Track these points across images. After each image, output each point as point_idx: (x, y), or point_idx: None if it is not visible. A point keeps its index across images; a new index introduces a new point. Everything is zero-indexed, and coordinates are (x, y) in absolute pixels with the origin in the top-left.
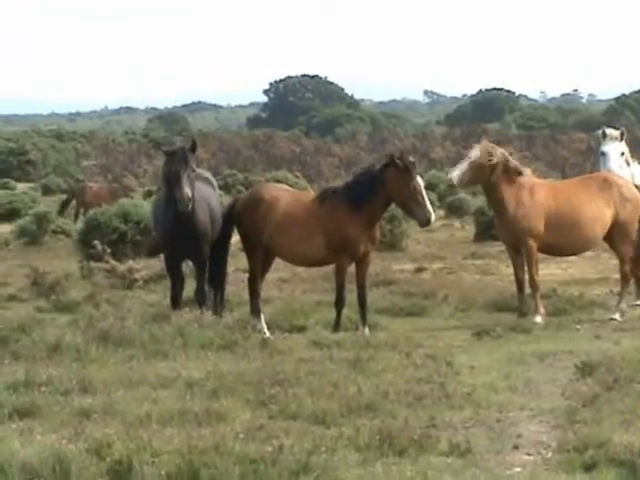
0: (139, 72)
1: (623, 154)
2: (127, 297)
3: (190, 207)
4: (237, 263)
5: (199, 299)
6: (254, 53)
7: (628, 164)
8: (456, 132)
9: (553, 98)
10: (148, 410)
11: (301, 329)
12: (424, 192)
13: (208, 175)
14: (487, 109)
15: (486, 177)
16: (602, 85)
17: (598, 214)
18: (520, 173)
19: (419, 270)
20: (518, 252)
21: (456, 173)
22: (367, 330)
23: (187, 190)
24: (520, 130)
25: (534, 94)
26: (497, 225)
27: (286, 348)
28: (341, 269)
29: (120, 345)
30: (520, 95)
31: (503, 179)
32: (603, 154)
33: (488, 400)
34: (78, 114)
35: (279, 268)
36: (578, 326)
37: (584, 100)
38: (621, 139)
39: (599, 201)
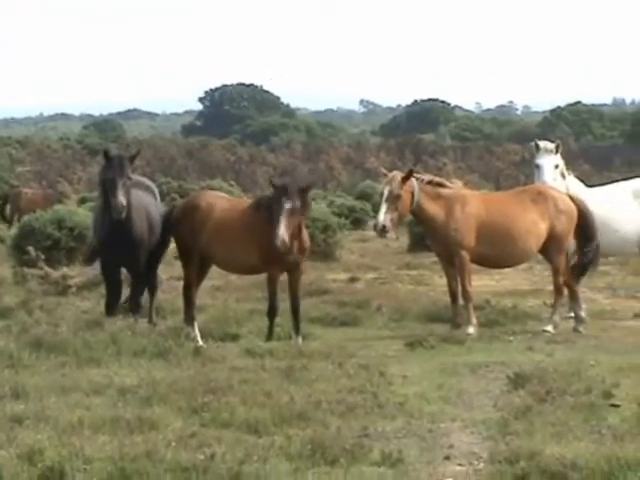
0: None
1: (557, 167)
2: (60, 304)
3: (124, 215)
4: (172, 271)
5: (133, 307)
6: (189, 61)
7: (564, 176)
8: (391, 142)
9: (488, 109)
10: (80, 417)
11: (234, 337)
12: (283, 216)
13: (149, 183)
14: (422, 119)
15: (408, 206)
16: (537, 97)
17: (532, 226)
18: (444, 185)
19: (353, 280)
20: (451, 263)
21: (381, 217)
22: (300, 339)
23: (122, 198)
24: (455, 141)
25: (469, 105)
26: (429, 238)
27: (219, 356)
28: (272, 278)
29: (53, 351)
30: (455, 106)
31: (425, 198)
32: (537, 167)
33: (420, 410)
34: (13, 120)
35: (213, 276)
36: (511, 337)
37: (519, 112)
38: (556, 152)
39: (533, 213)
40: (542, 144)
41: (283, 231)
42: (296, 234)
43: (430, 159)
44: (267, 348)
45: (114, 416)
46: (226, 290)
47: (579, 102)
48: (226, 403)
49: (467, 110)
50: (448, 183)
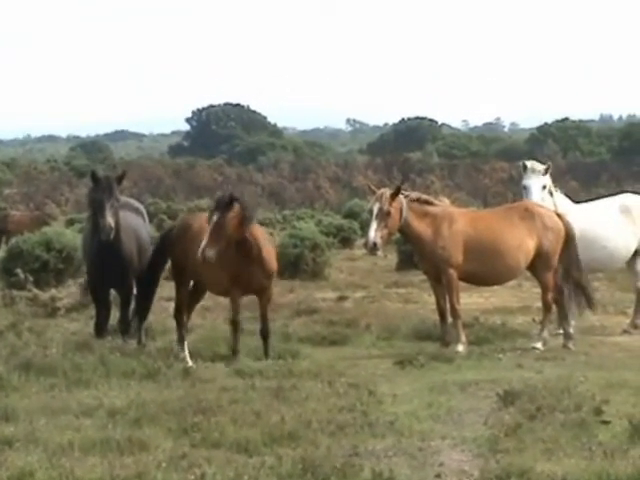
0: (61, 101)
1: (545, 187)
2: (49, 326)
3: (112, 236)
4: (161, 292)
5: (122, 329)
6: (176, 81)
7: (551, 194)
8: (378, 161)
9: (475, 127)
10: (70, 439)
11: (224, 358)
12: (208, 229)
13: (138, 205)
14: (409, 138)
15: (397, 223)
16: (524, 114)
17: (520, 243)
18: (431, 203)
19: (341, 299)
20: (439, 281)
21: (372, 234)
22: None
23: (109, 219)
24: (442, 159)
25: (457, 123)
26: (417, 256)
27: (209, 377)
28: (232, 299)
29: (42, 374)
30: (443, 124)
31: (412, 215)
32: (525, 188)
33: (410, 429)
34: None
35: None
36: (500, 355)
37: (506, 129)
38: (545, 173)
39: (521, 230)
40: (529, 164)
41: (204, 244)
42: (256, 257)
43: (417, 177)
44: (257, 368)
45: (104, 437)
46: (215, 310)
47: (567, 118)
48: (216, 423)
49: (454, 128)
50: (436, 201)
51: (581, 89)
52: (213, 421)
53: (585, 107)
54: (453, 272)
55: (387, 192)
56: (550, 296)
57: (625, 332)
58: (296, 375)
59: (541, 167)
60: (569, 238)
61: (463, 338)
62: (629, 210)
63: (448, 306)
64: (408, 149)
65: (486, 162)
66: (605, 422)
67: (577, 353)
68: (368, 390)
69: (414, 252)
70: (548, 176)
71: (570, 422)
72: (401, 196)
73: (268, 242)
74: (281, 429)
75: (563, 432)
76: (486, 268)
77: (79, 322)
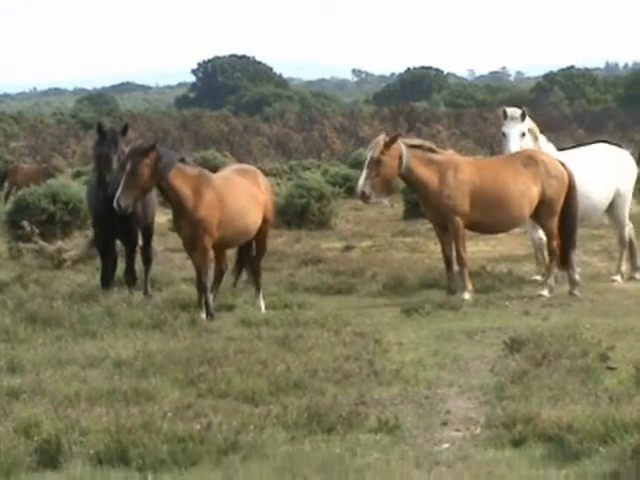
0: (67, 53)
1: (524, 134)
2: (56, 277)
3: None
4: (166, 242)
5: (128, 279)
6: (182, 33)
7: (536, 139)
8: (384, 111)
9: (481, 76)
10: (77, 390)
11: (230, 308)
12: (123, 178)
13: None
14: (415, 87)
15: (394, 170)
16: (530, 63)
17: (525, 191)
18: (434, 151)
19: (348, 248)
20: (445, 229)
21: (360, 182)
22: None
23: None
24: (448, 108)
25: (462, 72)
26: (422, 204)
27: (215, 327)
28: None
29: (49, 325)
30: (448, 73)
31: (416, 162)
32: (504, 135)
33: (416, 377)
34: (6, 96)
35: None
36: (507, 303)
37: (512, 78)
38: (522, 119)
39: (525, 178)
40: (510, 111)
41: (118, 193)
42: (179, 206)
43: (424, 126)
44: (263, 318)
45: (110, 388)
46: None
47: (572, 67)
48: (222, 373)
49: (460, 77)
50: (438, 149)
51: (587, 37)
52: (219, 371)
53: (591, 55)
54: (459, 220)
55: (382, 140)
56: (555, 243)
57: (631, 278)
58: (302, 324)
59: (518, 113)
60: (571, 187)
61: (469, 286)
62: (606, 159)
63: (455, 254)
64: (414, 98)
65: (492, 111)
66: (611, 368)
67: (583, 300)
68: (374, 339)
69: (419, 200)
70: (528, 122)
71: (576, 369)
72: (401, 143)
73: (201, 192)
74: (287, 378)
75: (569, 379)
76: (491, 216)
77: (85, 274)
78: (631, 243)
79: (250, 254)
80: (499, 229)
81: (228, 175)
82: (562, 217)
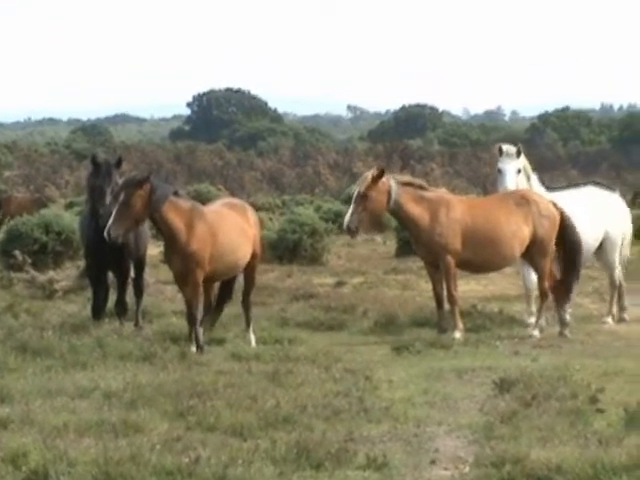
0: (62, 83)
1: (519, 171)
2: (47, 307)
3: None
4: (158, 274)
5: (119, 311)
6: (177, 66)
7: (528, 178)
8: (379, 148)
9: (476, 115)
10: (66, 420)
11: (220, 342)
12: (115, 209)
13: None
14: (410, 125)
15: (382, 205)
16: (525, 102)
17: (516, 231)
18: (424, 188)
19: (339, 284)
20: (436, 268)
21: (347, 218)
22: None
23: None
24: (443, 146)
25: (457, 110)
26: (413, 242)
27: (205, 360)
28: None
29: (39, 355)
30: (443, 111)
31: (406, 199)
32: (500, 171)
33: (406, 414)
34: (0, 125)
35: None
36: (497, 342)
37: (507, 117)
38: (517, 156)
39: (517, 218)
40: (505, 148)
41: (110, 223)
42: (170, 239)
43: (417, 164)
44: (253, 352)
45: (99, 419)
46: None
47: (567, 108)
48: (212, 407)
49: (455, 115)
50: (429, 186)
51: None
52: (209, 404)
53: (586, 96)
54: (451, 259)
55: (369, 175)
56: (546, 284)
57: (621, 321)
58: (292, 360)
59: (514, 150)
60: (565, 224)
61: (460, 325)
62: (597, 201)
63: (445, 293)
64: (409, 136)
65: (486, 150)
66: (600, 410)
67: (573, 341)
68: (364, 376)
69: (410, 237)
70: (523, 159)
71: (566, 410)
72: (390, 179)
73: (194, 226)
74: (276, 413)
75: (558, 420)
76: (482, 256)
77: (76, 304)
78: (620, 285)
79: (231, 289)
80: (490, 268)
81: (219, 209)
82: (566, 251)
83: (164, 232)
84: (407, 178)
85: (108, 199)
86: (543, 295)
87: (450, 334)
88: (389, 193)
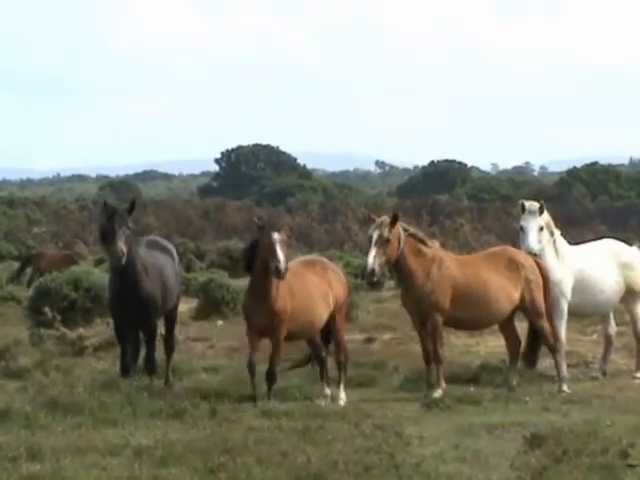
0: (91, 141)
1: (542, 228)
2: (77, 364)
3: (123, 262)
4: (187, 332)
5: (148, 368)
6: (205, 122)
7: (552, 234)
8: (407, 203)
9: (505, 170)
10: (96, 477)
11: (250, 398)
12: (278, 246)
13: (166, 244)
14: (438, 180)
15: (395, 251)
16: (554, 157)
17: (506, 291)
18: (425, 243)
19: (369, 340)
20: (423, 324)
21: (370, 260)
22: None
23: (121, 244)
24: (471, 202)
25: (486, 166)
26: (402, 296)
27: (235, 417)
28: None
29: (69, 412)
30: (472, 167)
31: (410, 251)
32: (522, 229)
33: (437, 471)
34: (30, 181)
35: (230, 337)
36: (527, 398)
37: (536, 172)
38: (540, 213)
39: (506, 279)
40: (528, 205)
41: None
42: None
43: (447, 220)
44: (283, 409)
45: (130, 476)
46: (243, 351)
47: (596, 163)
48: (242, 463)
49: (483, 171)
50: (429, 242)
51: (611, 133)
52: (239, 461)
53: (615, 150)
54: (439, 317)
55: (387, 220)
56: (551, 340)
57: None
58: (323, 416)
59: (536, 207)
60: (546, 286)
61: (443, 384)
62: (617, 255)
63: (431, 350)
64: (437, 192)
65: (515, 205)
66: (632, 465)
67: (604, 397)
68: (395, 432)
69: (401, 290)
70: (546, 216)
71: (596, 465)
72: (400, 227)
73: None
74: (307, 470)
75: (589, 475)
76: (471, 314)
77: (106, 361)
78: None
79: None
80: (476, 327)
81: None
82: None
83: None
84: (413, 229)
85: (119, 240)
86: (553, 351)
87: (478, 389)
88: (399, 240)
